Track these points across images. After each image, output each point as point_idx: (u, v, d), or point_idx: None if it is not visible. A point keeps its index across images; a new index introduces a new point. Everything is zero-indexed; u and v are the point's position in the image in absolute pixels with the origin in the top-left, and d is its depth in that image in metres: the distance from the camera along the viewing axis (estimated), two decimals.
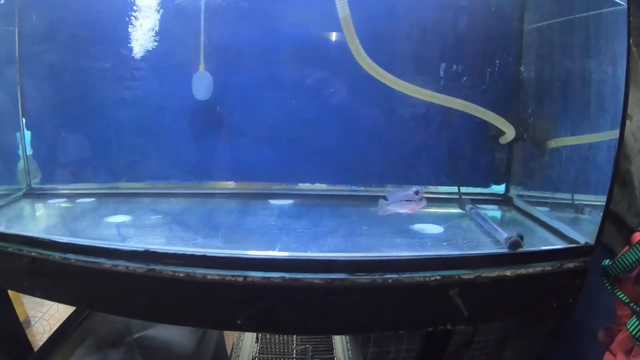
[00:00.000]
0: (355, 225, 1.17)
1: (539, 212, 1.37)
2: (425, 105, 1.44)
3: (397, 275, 0.90)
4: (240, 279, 0.85)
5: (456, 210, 1.39)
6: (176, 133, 1.36)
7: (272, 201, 1.37)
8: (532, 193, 1.55)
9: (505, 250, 0.96)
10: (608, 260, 0.87)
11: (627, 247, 0.86)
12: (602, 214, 0.96)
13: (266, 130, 1.37)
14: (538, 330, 1.05)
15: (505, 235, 0.99)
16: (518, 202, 1.48)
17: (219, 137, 1.39)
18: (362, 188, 1.45)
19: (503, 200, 1.55)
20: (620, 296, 0.93)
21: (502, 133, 1.50)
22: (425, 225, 1.19)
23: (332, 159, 1.40)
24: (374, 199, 1.42)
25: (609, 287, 0.87)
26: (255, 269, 0.86)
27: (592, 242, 0.97)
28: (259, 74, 1.30)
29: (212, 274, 0.85)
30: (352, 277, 0.89)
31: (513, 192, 1.57)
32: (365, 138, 1.39)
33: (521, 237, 0.96)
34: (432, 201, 1.47)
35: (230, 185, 1.43)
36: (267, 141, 1.37)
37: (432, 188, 1.59)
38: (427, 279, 0.89)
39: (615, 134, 0.94)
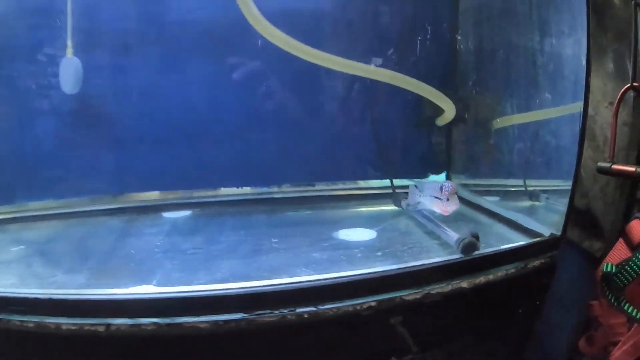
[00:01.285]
0: (263, 239, 0.99)
1: (489, 202, 1.22)
2: (345, 87, 1.29)
3: (314, 308, 0.71)
4: (102, 329, 0.66)
5: (391, 208, 1.25)
6: (44, 139, 1.14)
7: (166, 214, 1.18)
8: (478, 181, 1.39)
9: (458, 256, 0.83)
10: (611, 266, 0.74)
11: (621, 242, 0.75)
12: (568, 199, 0.88)
13: (158, 130, 1.19)
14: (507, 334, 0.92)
15: (456, 236, 0.86)
16: (463, 192, 1.32)
17: (99, 141, 1.17)
18: (275, 189, 1.32)
19: None
20: (631, 311, 0.73)
21: (439, 113, 1.31)
22: (352, 231, 1.03)
23: (239, 158, 1.24)
24: (291, 202, 1.28)
25: (612, 300, 0.75)
26: (120, 315, 0.67)
27: (559, 233, 0.88)
28: (144, 62, 1.14)
29: (67, 323, 0.66)
30: (250, 316, 0.69)
31: (455, 181, 1.41)
32: (277, 133, 1.25)
33: (476, 237, 0.83)
34: (361, 199, 1.34)
35: (112, 199, 1.23)
36: (159, 143, 1.19)
37: (361, 183, 1.40)
38: (358, 308, 0.72)
39: (576, 107, 0.86)
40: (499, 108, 1.26)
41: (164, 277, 0.79)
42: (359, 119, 1.31)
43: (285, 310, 0.69)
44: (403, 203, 1.19)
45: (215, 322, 0.67)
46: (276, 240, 0.97)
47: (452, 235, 0.87)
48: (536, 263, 0.84)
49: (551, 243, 0.87)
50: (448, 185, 0.94)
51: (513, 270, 0.83)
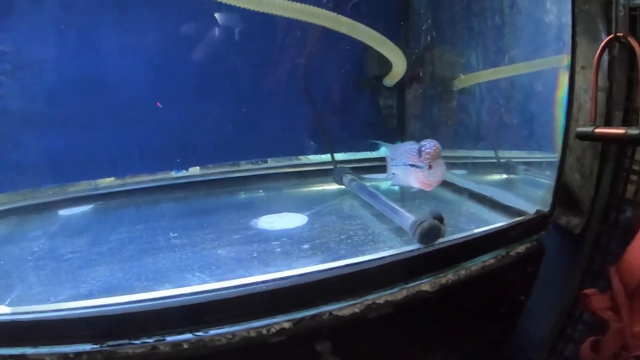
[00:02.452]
0: (161, 234, 0.81)
1: (455, 176, 1.03)
2: (269, 46, 1.11)
3: (196, 335, 0.51)
4: None
5: (332, 187, 1.07)
6: None
7: (62, 212, 1.01)
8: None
9: (415, 247, 0.65)
10: None
11: None
12: (557, 170, 0.76)
13: (51, 111, 1.00)
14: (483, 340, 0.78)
15: (412, 218, 0.68)
16: None
17: None
18: (194, 172, 1.13)
19: None
20: None
21: (386, 70, 1.12)
22: (277, 217, 0.86)
23: (148, 141, 1.08)
24: (210, 186, 1.11)
25: None
26: None
27: (547, 210, 0.75)
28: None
29: None
30: (103, 348, 0.49)
31: None
32: (193, 107, 1.09)
33: (439, 219, 0.66)
34: (296, 178, 1.16)
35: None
36: (51, 126, 1.01)
37: (302, 159, 1.21)
38: (265, 333, 0.53)
39: (558, 60, 0.77)
40: (461, 63, 1.10)
41: (22, 294, 0.63)
42: (288, 83, 1.12)
43: (151, 340, 0.50)
44: (345, 180, 0.99)
45: (63, 356, 0.49)
46: (176, 234, 0.79)
47: (407, 218, 0.70)
48: (520, 249, 0.71)
49: (538, 222, 0.74)
50: (430, 145, 0.71)
51: (492, 261, 0.68)
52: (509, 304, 0.75)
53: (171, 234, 0.79)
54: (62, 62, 0.98)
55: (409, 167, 0.74)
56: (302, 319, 0.54)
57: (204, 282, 0.59)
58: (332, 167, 1.09)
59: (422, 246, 0.64)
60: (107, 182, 1.11)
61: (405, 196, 0.89)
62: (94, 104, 1.02)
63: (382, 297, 0.58)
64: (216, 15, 1.02)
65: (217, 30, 1.03)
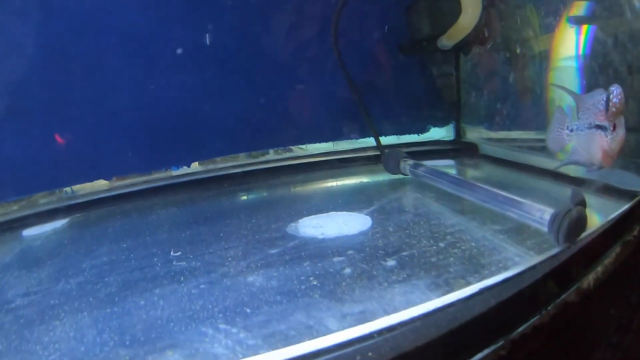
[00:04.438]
0: (157, 253, 0.55)
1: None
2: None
3: None
4: None
5: (381, 177, 0.83)
6: None
7: (26, 232, 0.80)
8: (510, 134, 0.95)
9: (558, 249, 0.47)
10: None
11: None
12: None
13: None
14: None
15: (548, 209, 0.49)
16: (490, 149, 0.93)
17: None
18: (198, 168, 0.90)
19: (455, 151, 1.01)
20: None
21: (442, 29, 0.88)
22: (326, 219, 0.61)
23: (141, 130, 0.89)
24: (221, 182, 0.89)
25: None
26: None
27: None
28: None
29: None
30: None
31: (472, 135, 1.01)
32: (194, 86, 0.89)
33: (583, 203, 0.48)
34: (336, 167, 0.94)
35: None
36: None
37: (328, 146, 0.97)
38: None
39: None
40: (537, 21, 0.86)
41: None
42: (317, 52, 0.92)
43: None
44: (404, 166, 0.74)
45: None
46: (178, 254, 0.54)
47: (538, 209, 0.50)
48: (636, 232, 0.57)
49: None
50: (616, 92, 0.52)
51: (618, 250, 0.54)
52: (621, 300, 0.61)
53: (172, 253, 0.53)
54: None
55: (594, 130, 0.54)
56: None
57: (239, 344, 0.32)
58: (377, 153, 0.87)
59: (567, 245, 0.47)
60: (87, 188, 0.90)
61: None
62: (65, 88, 0.84)
63: (530, 325, 0.40)
64: None
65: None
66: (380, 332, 0.30)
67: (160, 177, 0.89)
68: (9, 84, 0.82)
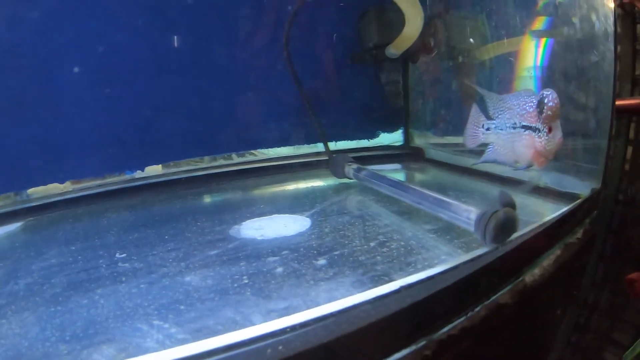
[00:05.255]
0: (104, 255, 0.57)
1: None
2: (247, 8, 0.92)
3: None
4: None
5: (328, 181, 0.86)
6: None
7: None
8: (455, 139, 0.99)
9: (484, 250, 0.48)
10: None
11: None
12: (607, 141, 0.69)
13: None
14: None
15: (475, 210, 0.50)
16: (439, 153, 0.97)
17: None
18: (154, 173, 0.91)
19: (402, 155, 1.05)
20: None
21: (390, 38, 0.92)
22: (267, 221, 0.63)
23: (95, 134, 0.87)
24: (174, 186, 0.89)
25: None
26: None
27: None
28: None
29: None
30: None
31: (420, 140, 1.05)
32: (149, 92, 0.89)
33: (512, 205, 0.48)
34: (283, 172, 0.96)
35: None
36: None
37: (278, 151, 1.00)
38: None
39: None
40: (483, 30, 0.91)
41: None
42: (268, 59, 0.93)
43: None
44: (349, 170, 0.77)
45: None
46: (123, 255, 0.55)
47: (466, 210, 0.52)
48: (579, 234, 0.61)
49: (594, 201, 0.66)
50: (552, 97, 0.53)
51: (558, 252, 0.56)
52: (567, 301, 0.67)
53: (117, 255, 0.55)
54: None
55: (521, 130, 0.56)
56: None
57: (169, 338, 0.35)
58: (325, 158, 0.89)
59: (495, 246, 0.48)
60: (42, 192, 0.88)
61: (430, 188, 0.68)
62: (18, 90, 0.82)
63: (457, 325, 0.41)
64: None
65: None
66: (293, 328, 0.33)
67: (114, 180, 0.87)
68: None
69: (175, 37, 0.89)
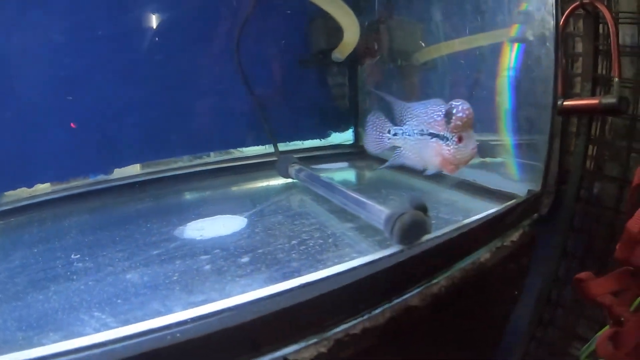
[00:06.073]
0: (61, 256, 0.63)
1: None
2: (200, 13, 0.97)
3: None
4: None
5: (278, 182, 0.91)
6: None
7: None
8: None
9: (394, 249, 0.50)
10: None
11: None
12: (547, 144, 0.68)
13: None
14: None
15: (386, 211, 0.53)
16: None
17: None
18: (115, 176, 0.95)
19: (351, 154, 1.10)
20: None
21: (335, 43, 0.98)
22: (209, 222, 0.70)
23: (57, 142, 0.91)
24: (131, 190, 0.92)
25: None
26: None
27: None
28: None
29: None
30: None
31: None
32: (109, 98, 0.92)
33: (422, 209, 0.51)
34: (232, 174, 1.00)
35: None
36: None
37: (233, 152, 1.05)
38: None
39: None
40: (421, 34, 0.97)
41: None
42: (219, 63, 0.97)
43: None
44: (292, 171, 0.84)
45: None
46: (77, 256, 0.62)
47: (379, 211, 0.56)
48: (514, 237, 0.62)
49: (531, 204, 0.66)
50: (463, 108, 0.56)
51: (487, 256, 0.58)
52: (504, 302, 0.67)
53: (72, 256, 0.61)
54: None
55: (428, 137, 0.59)
56: None
57: (104, 326, 0.43)
58: (270, 160, 0.96)
59: (403, 247, 0.50)
60: (10, 196, 0.91)
61: (369, 188, 0.74)
62: None
63: (357, 325, 0.45)
64: None
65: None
66: (193, 320, 0.39)
67: (78, 184, 0.92)
68: None
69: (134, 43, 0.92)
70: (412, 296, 0.49)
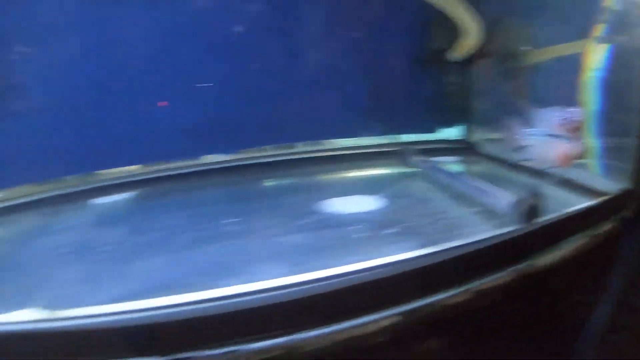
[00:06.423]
0: (214, 220, 0.69)
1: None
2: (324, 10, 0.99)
3: (289, 340, 0.40)
4: None
5: (395, 170, 0.96)
6: None
7: (94, 201, 0.87)
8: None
9: (516, 227, 0.56)
10: None
11: None
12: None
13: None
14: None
15: (510, 197, 0.61)
16: (489, 148, 1.04)
17: None
18: (241, 155, 0.99)
19: (460, 149, 1.11)
20: None
21: (452, 43, 1.01)
22: (345, 201, 0.74)
23: (192, 121, 0.95)
24: (261, 169, 0.96)
25: None
26: None
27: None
28: None
29: None
30: None
31: (476, 135, 1.11)
32: (240, 84, 0.97)
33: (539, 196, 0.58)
34: (357, 160, 1.02)
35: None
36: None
37: (350, 141, 1.07)
38: (371, 330, 0.43)
39: None
40: (529, 38, 0.97)
41: (54, 295, 0.51)
42: (343, 58, 1.00)
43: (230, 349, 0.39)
44: (415, 160, 0.87)
45: None
46: (231, 221, 0.67)
47: (504, 197, 0.62)
48: (606, 228, 0.66)
49: (623, 200, 0.68)
50: (577, 113, 0.65)
51: (583, 242, 0.61)
52: (585, 295, 0.69)
53: (226, 220, 0.67)
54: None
55: (548, 137, 0.66)
56: (412, 311, 0.44)
57: (284, 275, 0.48)
58: (389, 149, 1.00)
59: (523, 226, 0.56)
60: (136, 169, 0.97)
61: (482, 178, 0.78)
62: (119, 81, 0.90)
63: (490, 282, 0.51)
64: None
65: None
66: (380, 266, 0.45)
67: (212, 161, 0.96)
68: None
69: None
70: (526, 264, 0.55)
